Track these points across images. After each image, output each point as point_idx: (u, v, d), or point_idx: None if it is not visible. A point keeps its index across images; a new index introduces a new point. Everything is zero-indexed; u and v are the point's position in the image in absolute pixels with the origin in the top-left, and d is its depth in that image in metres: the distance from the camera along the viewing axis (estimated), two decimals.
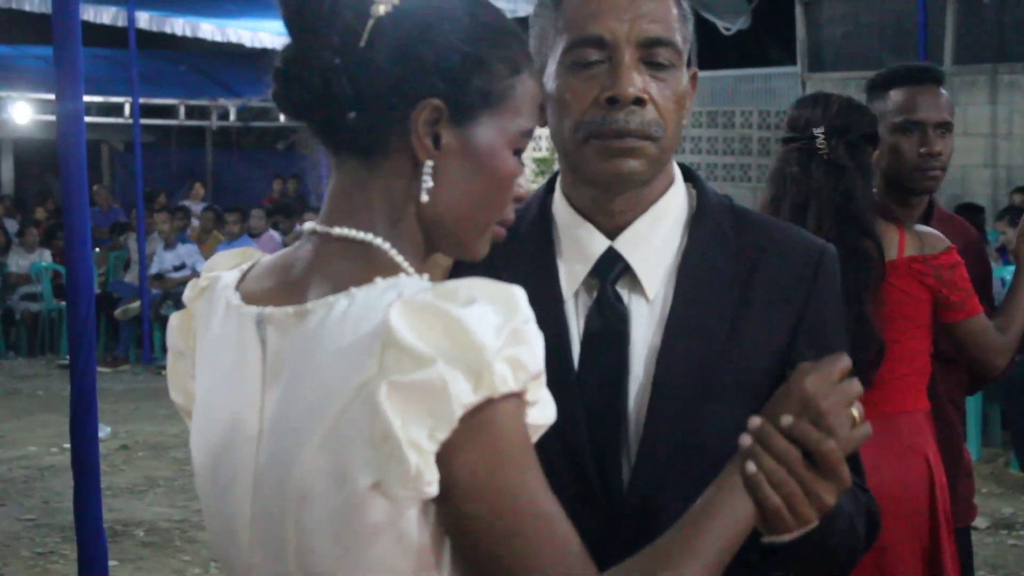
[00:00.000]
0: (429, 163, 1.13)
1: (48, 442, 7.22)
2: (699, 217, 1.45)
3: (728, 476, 1.16)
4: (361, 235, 1.13)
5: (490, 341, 1.00)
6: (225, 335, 1.19)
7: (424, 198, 1.13)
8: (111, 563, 3.96)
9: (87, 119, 3.44)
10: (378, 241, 1.13)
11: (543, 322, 1.05)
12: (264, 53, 12.39)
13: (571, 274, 1.44)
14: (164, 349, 10.34)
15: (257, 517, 1.13)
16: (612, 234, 1.44)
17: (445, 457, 1.01)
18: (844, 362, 1.18)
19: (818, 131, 2.45)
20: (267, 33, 11.78)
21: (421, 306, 1.01)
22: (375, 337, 1.02)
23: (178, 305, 10.25)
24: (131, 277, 10.78)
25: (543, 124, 1.37)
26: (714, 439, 1.36)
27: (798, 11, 13.15)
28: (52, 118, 3.38)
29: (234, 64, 14.82)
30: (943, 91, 2.73)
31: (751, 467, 1.14)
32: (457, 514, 1.03)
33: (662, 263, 1.43)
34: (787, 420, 1.15)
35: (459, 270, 1.29)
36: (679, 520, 1.14)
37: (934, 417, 2.59)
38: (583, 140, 1.38)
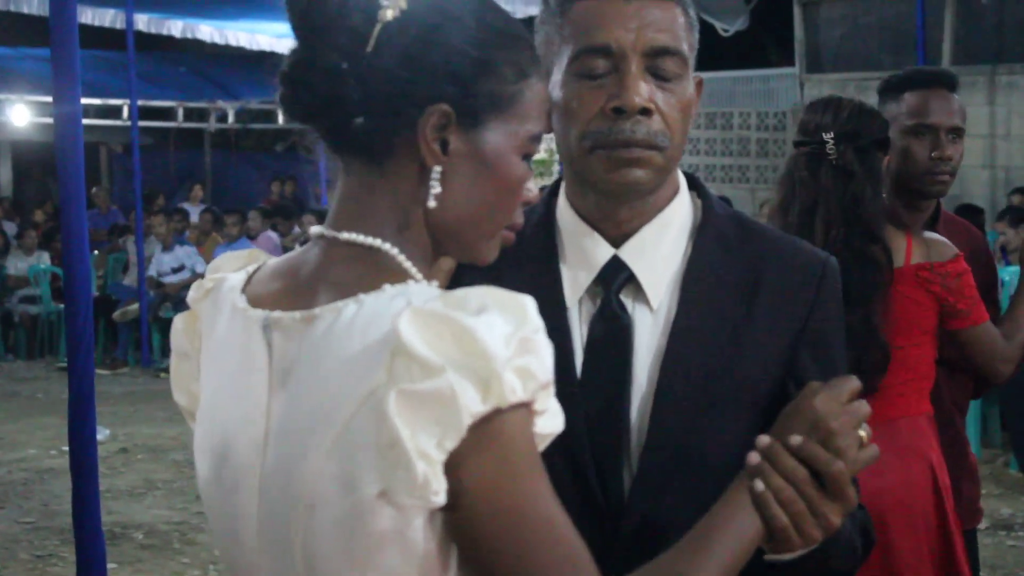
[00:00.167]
0: (437, 169, 1.12)
1: (47, 445, 7.21)
2: (704, 227, 1.45)
3: (735, 493, 1.16)
4: (369, 240, 1.13)
5: (500, 351, 0.99)
6: (231, 338, 1.18)
7: (432, 204, 1.13)
8: (110, 566, 3.95)
9: (85, 121, 3.44)
10: (386, 246, 1.13)
11: (546, 330, 1.05)
12: (262, 55, 12.43)
13: (575, 282, 1.44)
14: (163, 352, 10.38)
15: (263, 521, 1.12)
16: (617, 242, 1.43)
17: (453, 466, 1.01)
18: (854, 383, 1.19)
19: (828, 136, 2.45)
20: (265, 35, 11.78)
21: (431, 315, 1.01)
22: (384, 345, 1.02)
23: (177, 307, 10.30)
24: (130, 279, 10.77)
25: (549, 130, 1.37)
26: (715, 449, 1.36)
27: (796, 12, 13.16)
28: (50, 120, 3.38)
29: (233, 66, 14.82)
30: (956, 96, 2.73)
31: (759, 485, 1.14)
32: (464, 523, 1.03)
33: (666, 272, 1.43)
34: (796, 439, 1.15)
35: (462, 274, 1.29)
36: (685, 535, 1.14)
37: (938, 421, 2.59)
38: (589, 149, 1.38)
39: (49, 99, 3.37)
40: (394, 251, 1.13)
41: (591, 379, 1.40)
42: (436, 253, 1.17)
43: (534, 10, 6.87)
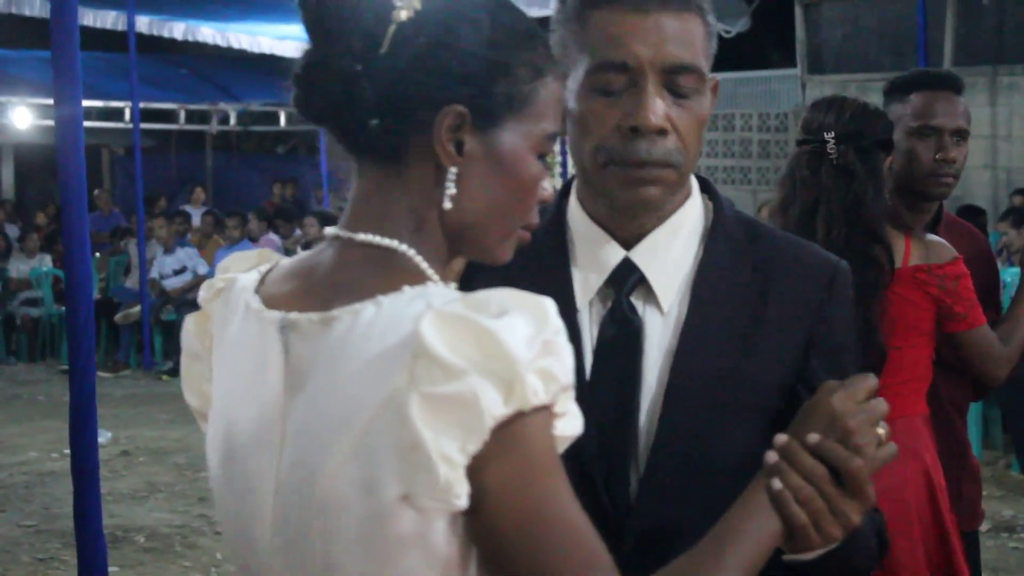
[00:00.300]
0: (453, 170, 1.11)
1: (49, 448, 7.20)
2: (715, 230, 1.45)
3: (752, 493, 1.15)
4: (386, 241, 1.12)
5: (522, 353, 0.99)
6: (244, 339, 1.17)
7: (448, 205, 1.12)
8: (111, 569, 3.95)
9: (87, 124, 3.44)
10: (403, 247, 1.12)
11: None
12: (264, 58, 12.44)
13: (586, 284, 1.43)
14: (165, 354, 10.37)
15: (279, 524, 1.12)
16: (628, 244, 1.43)
17: (475, 469, 1.00)
18: (871, 381, 1.18)
19: (829, 135, 2.45)
20: (267, 37, 11.78)
21: (452, 317, 1.00)
22: (404, 347, 1.01)
23: (179, 310, 10.29)
24: (132, 282, 10.77)
25: (564, 133, 1.35)
26: (723, 453, 1.36)
27: (798, 13, 13.15)
28: (52, 123, 3.38)
29: (234, 68, 14.82)
30: (962, 99, 2.73)
31: (777, 484, 1.14)
32: (486, 526, 1.03)
33: (677, 275, 1.42)
34: (814, 437, 1.14)
35: (471, 275, 1.28)
36: (703, 538, 1.13)
37: (936, 422, 2.58)
38: (603, 164, 1.37)
39: (51, 102, 3.37)
40: (410, 252, 1.12)
41: (600, 381, 1.39)
42: (451, 254, 1.17)
43: (539, 11, 6.85)
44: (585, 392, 1.37)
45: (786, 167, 2.55)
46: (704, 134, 1.41)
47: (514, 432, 1.00)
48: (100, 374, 8.27)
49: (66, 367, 7.15)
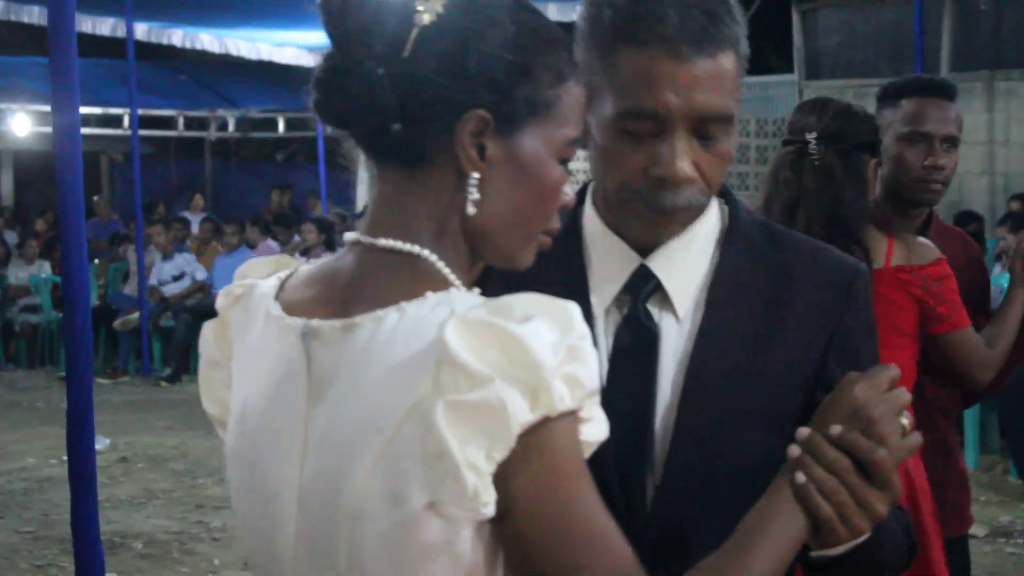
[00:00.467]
0: (475, 175, 1.10)
1: (47, 454, 7.19)
2: (731, 235, 1.44)
3: (776, 490, 1.14)
4: (408, 247, 1.11)
5: (548, 359, 0.98)
6: (265, 346, 1.16)
7: (471, 210, 1.11)
8: (109, 575, 3.95)
9: (86, 130, 3.45)
10: (425, 253, 1.11)
11: None
12: (263, 64, 12.45)
13: (602, 291, 1.42)
14: (163, 361, 10.36)
15: (303, 533, 1.11)
16: (644, 250, 1.42)
17: (502, 476, 1.00)
18: (893, 371, 1.17)
19: (811, 136, 2.46)
20: (266, 44, 11.77)
21: (477, 323, 1.00)
22: (429, 354, 1.00)
23: (177, 316, 10.27)
24: (131, 288, 10.77)
25: (584, 146, 1.33)
26: (741, 460, 1.34)
27: (795, 19, 13.16)
28: (51, 129, 3.39)
29: (233, 75, 14.82)
30: (954, 106, 2.72)
31: (800, 477, 1.12)
32: (513, 532, 1.02)
33: (693, 281, 1.42)
34: (836, 429, 1.13)
35: (486, 281, 1.26)
36: (731, 536, 1.12)
37: (921, 424, 2.56)
38: (627, 200, 1.36)
39: (50, 108, 3.38)
40: (432, 257, 1.11)
41: (616, 388, 1.38)
42: (473, 259, 1.16)
43: (556, 14, 6.79)
44: (601, 399, 1.38)
45: (769, 167, 2.56)
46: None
47: (540, 439, 0.99)
48: (98, 380, 8.27)
49: (64, 374, 7.13)
